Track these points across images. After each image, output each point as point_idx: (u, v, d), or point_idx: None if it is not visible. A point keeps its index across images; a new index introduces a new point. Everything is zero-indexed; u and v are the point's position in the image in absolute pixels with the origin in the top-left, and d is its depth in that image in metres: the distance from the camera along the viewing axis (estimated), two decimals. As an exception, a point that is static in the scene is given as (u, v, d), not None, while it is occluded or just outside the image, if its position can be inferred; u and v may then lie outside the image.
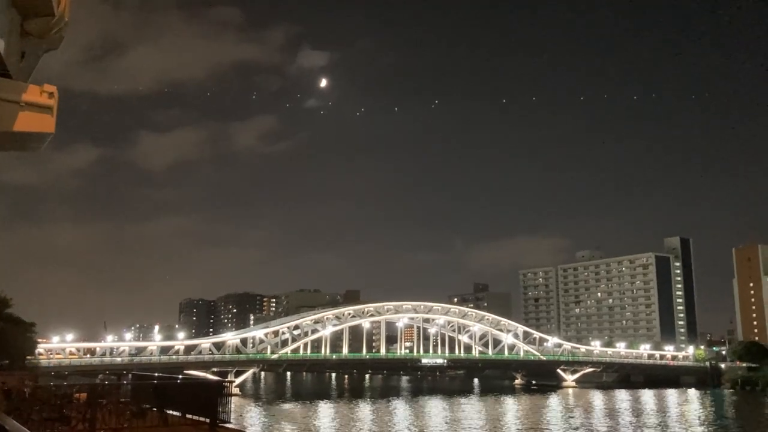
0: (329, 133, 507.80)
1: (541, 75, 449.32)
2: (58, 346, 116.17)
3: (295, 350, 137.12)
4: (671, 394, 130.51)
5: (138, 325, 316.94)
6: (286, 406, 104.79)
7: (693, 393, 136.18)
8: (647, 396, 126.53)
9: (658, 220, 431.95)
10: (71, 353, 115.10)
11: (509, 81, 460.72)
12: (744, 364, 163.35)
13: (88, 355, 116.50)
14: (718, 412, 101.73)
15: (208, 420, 15.94)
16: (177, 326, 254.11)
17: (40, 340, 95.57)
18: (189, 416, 16.71)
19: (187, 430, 15.94)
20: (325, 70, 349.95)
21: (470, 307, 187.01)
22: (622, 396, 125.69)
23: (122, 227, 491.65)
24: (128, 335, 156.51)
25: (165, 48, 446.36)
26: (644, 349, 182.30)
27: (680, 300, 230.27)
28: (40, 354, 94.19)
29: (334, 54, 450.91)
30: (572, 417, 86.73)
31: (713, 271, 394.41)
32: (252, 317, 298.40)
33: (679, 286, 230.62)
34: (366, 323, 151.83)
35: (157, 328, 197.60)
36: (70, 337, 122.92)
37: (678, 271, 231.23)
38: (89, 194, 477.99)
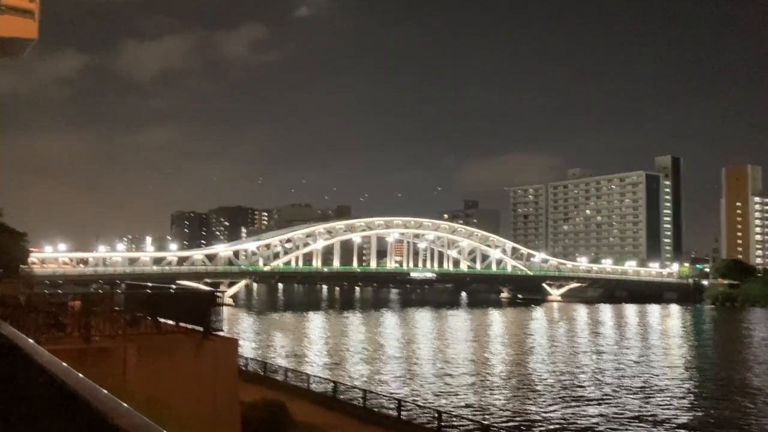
0: (320, 45, 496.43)
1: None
2: (52, 255, 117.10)
3: (287, 263, 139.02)
4: (653, 309, 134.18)
5: (130, 237, 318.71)
6: (278, 316, 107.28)
7: (674, 308, 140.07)
8: (629, 310, 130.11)
9: (649, 139, 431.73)
10: (64, 263, 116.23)
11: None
12: (726, 281, 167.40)
13: (81, 265, 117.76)
14: (695, 325, 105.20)
15: (201, 329, 16.27)
16: (169, 238, 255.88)
17: (32, 249, 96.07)
18: (182, 325, 17.03)
19: (180, 337, 16.29)
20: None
21: (460, 224, 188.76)
22: (605, 310, 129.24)
23: (110, 137, 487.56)
24: (120, 246, 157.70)
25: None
26: (629, 266, 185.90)
27: (668, 218, 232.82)
28: (33, 263, 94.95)
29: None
30: (554, 328, 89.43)
31: (702, 190, 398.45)
32: (244, 230, 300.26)
33: (668, 204, 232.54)
34: (357, 238, 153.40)
35: (149, 239, 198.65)
36: (62, 247, 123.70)
37: (667, 190, 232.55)
38: (76, 103, 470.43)
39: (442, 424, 22.51)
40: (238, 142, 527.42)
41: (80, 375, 4.20)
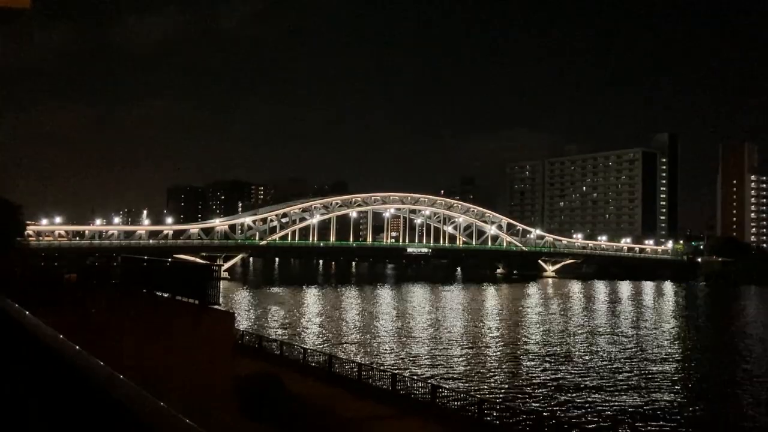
0: (319, 18, 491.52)
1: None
2: (48, 228, 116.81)
3: (283, 237, 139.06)
4: (647, 286, 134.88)
5: (126, 210, 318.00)
6: (274, 290, 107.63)
7: (668, 285, 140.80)
8: (623, 287, 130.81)
9: (646, 117, 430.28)
10: (60, 236, 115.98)
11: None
12: (720, 259, 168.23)
13: (78, 238, 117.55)
14: (688, 302, 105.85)
15: (197, 302, 16.32)
16: (165, 212, 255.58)
17: (28, 222, 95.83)
18: (178, 298, 17.09)
19: (176, 310, 16.36)
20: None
21: (456, 200, 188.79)
22: (599, 286, 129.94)
23: (107, 110, 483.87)
24: (116, 219, 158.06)
25: None
26: (624, 243, 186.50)
27: (664, 195, 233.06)
28: (29, 236, 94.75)
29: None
30: (548, 304, 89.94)
31: (699, 168, 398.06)
32: (240, 205, 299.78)
33: (664, 182, 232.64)
34: (353, 213, 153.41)
35: (145, 213, 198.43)
36: (58, 219, 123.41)
37: (664, 167, 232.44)
38: (73, 75, 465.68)
39: (437, 397, 22.72)
40: (236, 115, 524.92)
41: (77, 347, 4.23)
